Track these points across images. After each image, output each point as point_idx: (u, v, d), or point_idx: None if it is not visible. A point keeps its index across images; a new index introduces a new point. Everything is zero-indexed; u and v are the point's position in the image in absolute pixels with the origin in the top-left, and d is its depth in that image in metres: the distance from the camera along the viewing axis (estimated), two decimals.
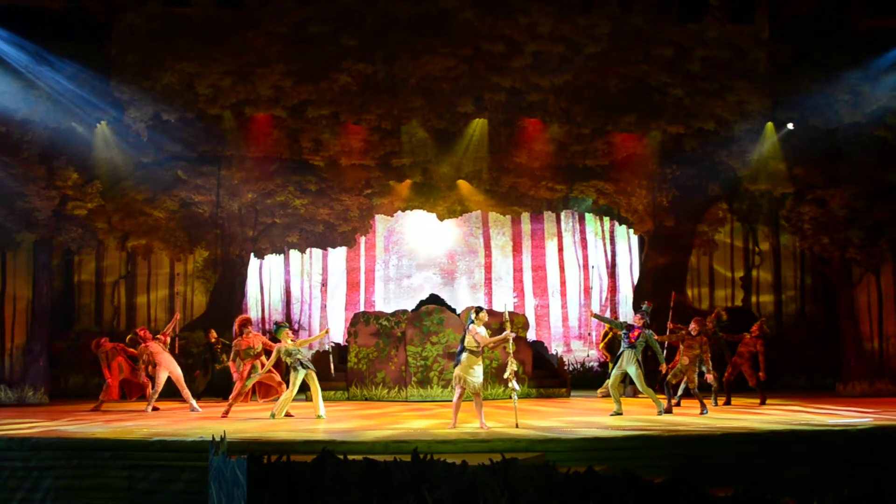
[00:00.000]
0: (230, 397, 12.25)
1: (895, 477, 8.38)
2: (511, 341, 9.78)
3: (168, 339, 13.57)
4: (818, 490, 6.33)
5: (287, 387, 11.70)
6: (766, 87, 15.11)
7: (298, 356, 11.52)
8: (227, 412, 11.82)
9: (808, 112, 15.24)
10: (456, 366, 9.85)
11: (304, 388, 11.81)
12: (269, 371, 12.54)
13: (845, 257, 16.13)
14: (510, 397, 10.19)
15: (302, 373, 11.46)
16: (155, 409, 12.92)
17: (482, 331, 9.79)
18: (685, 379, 12.33)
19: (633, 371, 11.48)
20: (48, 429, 10.00)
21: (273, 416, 11.36)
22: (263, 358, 12.49)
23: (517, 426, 9.74)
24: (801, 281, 18.44)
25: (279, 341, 11.73)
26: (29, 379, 15.47)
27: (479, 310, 10.03)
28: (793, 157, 15.91)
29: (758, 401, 13.26)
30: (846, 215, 15.62)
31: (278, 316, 19.66)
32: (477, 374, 9.74)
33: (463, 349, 9.75)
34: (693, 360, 12.17)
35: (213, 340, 15.61)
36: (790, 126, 15.59)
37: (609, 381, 12.16)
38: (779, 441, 8.98)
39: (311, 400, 11.81)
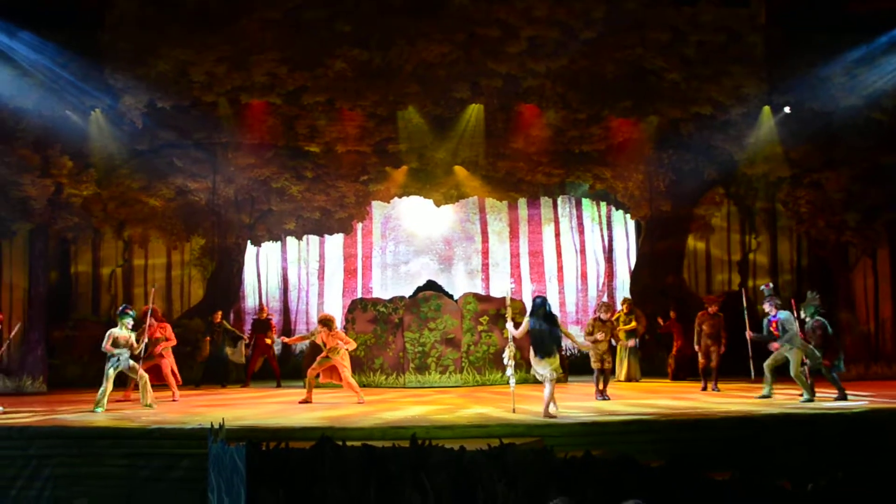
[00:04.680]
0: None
1: (890, 459, 8.43)
2: (510, 326, 9.81)
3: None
4: (813, 473, 6.37)
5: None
6: (763, 71, 15.07)
7: (123, 352, 11.29)
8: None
9: (804, 95, 15.22)
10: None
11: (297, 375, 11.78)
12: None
13: (841, 240, 16.17)
14: (508, 382, 10.22)
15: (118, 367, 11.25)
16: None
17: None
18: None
19: (791, 356, 11.10)
20: (47, 417, 10.02)
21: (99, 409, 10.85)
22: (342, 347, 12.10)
23: (514, 411, 9.78)
24: (797, 264, 18.47)
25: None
26: (27, 368, 15.50)
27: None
28: (789, 141, 15.91)
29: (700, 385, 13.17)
30: (843, 198, 15.65)
31: (276, 303, 19.64)
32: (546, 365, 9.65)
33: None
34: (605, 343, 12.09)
35: (217, 321, 15.80)
36: (787, 110, 15.58)
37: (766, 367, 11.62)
38: (775, 425, 9.04)
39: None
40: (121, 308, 11.79)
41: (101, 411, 10.71)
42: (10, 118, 14.81)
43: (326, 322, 12.05)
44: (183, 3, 14.52)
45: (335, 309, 19.90)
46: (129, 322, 11.45)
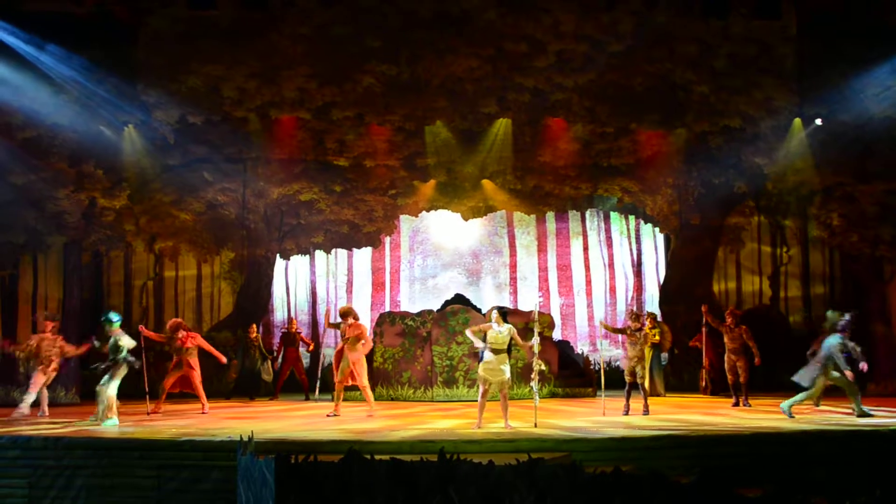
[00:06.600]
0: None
1: None
2: (537, 341, 9.81)
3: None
4: (849, 490, 6.26)
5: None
6: (794, 83, 14.92)
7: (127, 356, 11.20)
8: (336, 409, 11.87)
9: (836, 107, 15.02)
10: (479, 364, 9.91)
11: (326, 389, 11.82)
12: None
13: (875, 254, 15.88)
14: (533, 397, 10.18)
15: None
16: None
17: (498, 329, 9.82)
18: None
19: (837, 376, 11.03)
20: (80, 428, 10.16)
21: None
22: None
23: (535, 426, 9.74)
24: (829, 279, 18.18)
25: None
26: (61, 379, 15.64)
27: (499, 309, 10.06)
28: (821, 154, 15.69)
29: (731, 401, 12.90)
30: (876, 212, 15.37)
31: (304, 316, 19.74)
32: (501, 371, 9.74)
33: (485, 348, 9.79)
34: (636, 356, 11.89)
35: (252, 336, 15.94)
36: (818, 122, 15.38)
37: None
38: (809, 441, 8.89)
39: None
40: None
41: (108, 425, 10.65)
42: (47, 134, 15.07)
43: (346, 314, 12.17)
44: (214, 20, 14.73)
45: (364, 322, 19.94)
46: (109, 328, 11.37)
